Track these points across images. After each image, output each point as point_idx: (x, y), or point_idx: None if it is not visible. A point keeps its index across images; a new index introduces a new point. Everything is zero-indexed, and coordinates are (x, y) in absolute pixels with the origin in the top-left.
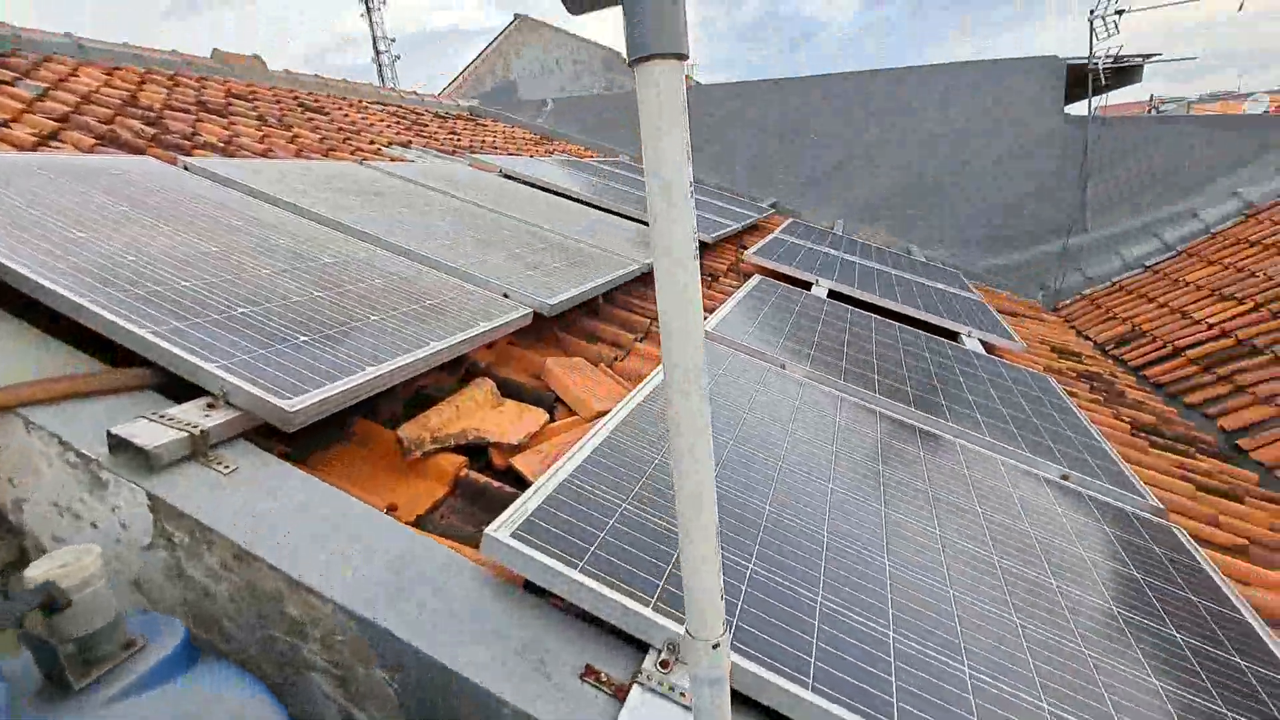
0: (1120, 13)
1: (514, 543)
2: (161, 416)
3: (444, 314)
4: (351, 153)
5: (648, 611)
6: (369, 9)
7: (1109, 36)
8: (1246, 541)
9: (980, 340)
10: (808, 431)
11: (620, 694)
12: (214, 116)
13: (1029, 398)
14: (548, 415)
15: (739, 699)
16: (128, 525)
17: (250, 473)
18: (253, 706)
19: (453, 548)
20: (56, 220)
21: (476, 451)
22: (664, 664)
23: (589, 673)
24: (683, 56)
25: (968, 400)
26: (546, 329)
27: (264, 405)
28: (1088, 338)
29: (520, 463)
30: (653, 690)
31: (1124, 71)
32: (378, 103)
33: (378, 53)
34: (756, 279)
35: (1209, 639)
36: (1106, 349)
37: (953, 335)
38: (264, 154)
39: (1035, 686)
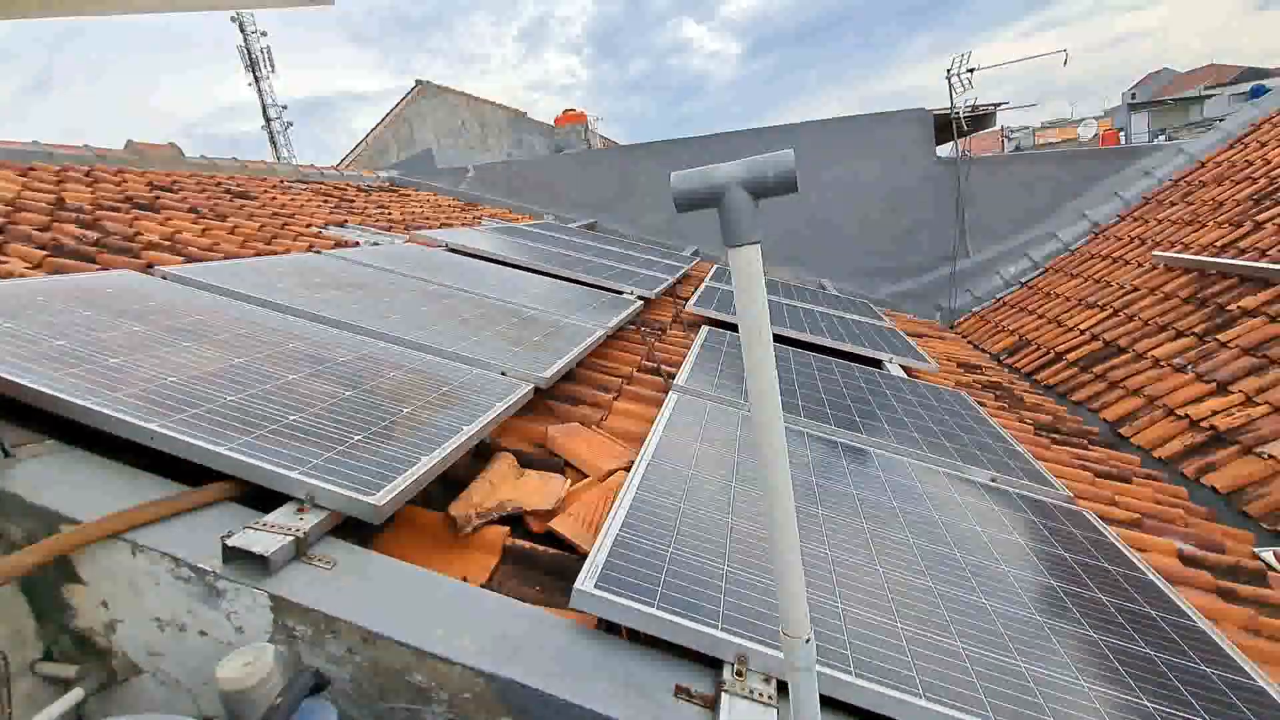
0: (971, 71)
1: (599, 592)
2: (264, 525)
3: (462, 399)
4: (294, 239)
5: (718, 633)
6: (257, 77)
7: (964, 91)
8: (1139, 515)
9: (900, 365)
10: None
11: (709, 702)
12: (147, 212)
13: (952, 413)
14: (566, 480)
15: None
16: (244, 628)
17: (348, 564)
18: None
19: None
20: (86, 348)
21: (513, 520)
22: (739, 673)
23: (679, 690)
24: (758, 241)
25: (903, 421)
26: (535, 398)
27: (352, 503)
28: (983, 350)
29: (559, 526)
30: (737, 694)
31: (980, 118)
32: (299, 181)
33: (268, 120)
34: (705, 330)
35: (1125, 597)
36: (1000, 359)
37: (877, 363)
38: (211, 248)
39: (997, 647)
